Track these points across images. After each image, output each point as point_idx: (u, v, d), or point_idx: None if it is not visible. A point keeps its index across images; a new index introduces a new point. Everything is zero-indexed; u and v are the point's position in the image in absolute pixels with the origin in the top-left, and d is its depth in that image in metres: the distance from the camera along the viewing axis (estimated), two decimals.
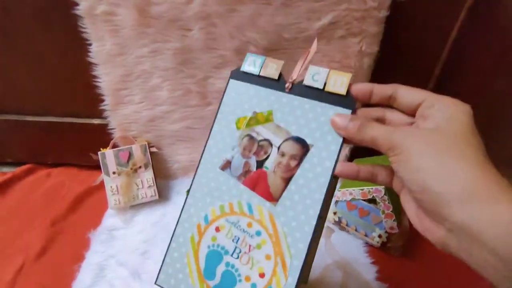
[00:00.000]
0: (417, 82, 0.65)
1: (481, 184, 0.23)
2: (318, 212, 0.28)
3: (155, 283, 0.32)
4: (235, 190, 0.31)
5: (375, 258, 0.60)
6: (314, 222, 0.28)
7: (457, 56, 0.61)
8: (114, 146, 0.69)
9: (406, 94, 0.29)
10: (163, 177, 0.74)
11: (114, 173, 0.66)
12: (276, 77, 0.33)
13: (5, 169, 0.79)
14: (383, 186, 0.56)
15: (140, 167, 0.67)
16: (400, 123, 0.31)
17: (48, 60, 0.62)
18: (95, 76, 0.62)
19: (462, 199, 0.23)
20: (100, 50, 0.59)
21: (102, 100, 0.65)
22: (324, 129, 0.30)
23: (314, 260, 0.48)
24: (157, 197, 0.68)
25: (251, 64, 0.34)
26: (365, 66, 0.58)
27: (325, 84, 0.31)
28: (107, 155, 0.66)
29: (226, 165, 0.32)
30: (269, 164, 0.31)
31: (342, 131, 0.30)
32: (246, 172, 0.32)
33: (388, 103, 0.31)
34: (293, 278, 0.28)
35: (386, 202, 0.57)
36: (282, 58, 0.57)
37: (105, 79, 0.62)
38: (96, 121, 0.70)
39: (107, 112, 0.66)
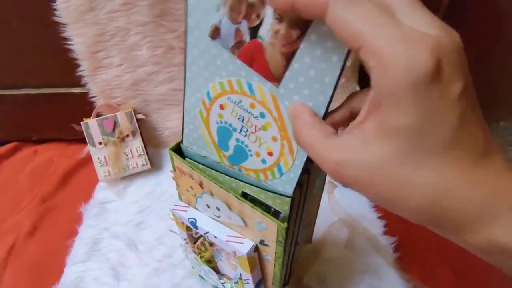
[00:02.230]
0: None
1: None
2: (328, 99, 0.22)
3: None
4: (231, 65, 0.25)
5: (382, 212, 0.57)
6: (323, 111, 0.22)
7: None
8: (98, 115, 0.64)
9: (342, 21, 0.15)
10: (154, 145, 0.70)
11: (100, 143, 0.62)
12: None
13: None
14: None
15: (127, 135, 0.63)
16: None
17: (11, 23, 0.56)
18: (65, 39, 0.56)
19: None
20: (66, 7, 0.52)
21: (78, 66, 0.60)
22: None
23: (318, 218, 0.45)
24: (149, 166, 0.64)
25: None
26: None
27: None
28: (91, 125, 0.62)
29: (215, 33, 0.24)
30: (263, 32, 0.22)
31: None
32: (239, 43, 0.24)
33: None
34: (300, 162, 0.26)
35: None
36: None
37: (77, 40, 0.56)
38: (76, 90, 0.65)
39: (86, 79, 0.61)
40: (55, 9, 0.53)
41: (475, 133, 0.16)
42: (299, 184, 0.28)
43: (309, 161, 0.25)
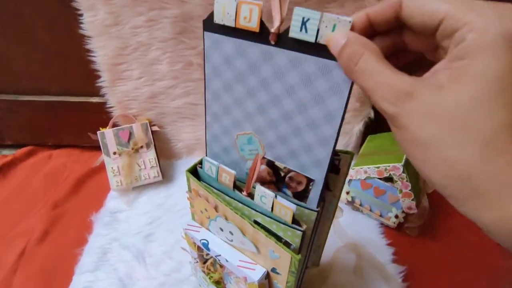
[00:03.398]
0: None
1: None
2: None
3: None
4: None
5: (391, 239, 0.57)
6: None
7: None
8: (114, 125, 0.65)
9: (415, 10, 0.19)
10: (167, 157, 0.71)
11: (114, 153, 0.63)
12: (231, 188, 0.30)
13: (6, 152, 0.77)
14: (402, 164, 0.52)
15: (141, 146, 0.64)
16: (421, 47, 0.21)
17: (38, 34, 0.58)
18: (89, 50, 0.58)
19: None
20: (92, 21, 0.54)
21: (99, 77, 0.61)
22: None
23: (327, 242, 0.45)
24: (160, 178, 0.65)
25: (208, 170, 0.31)
26: None
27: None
28: (107, 135, 0.63)
29: None
30: None
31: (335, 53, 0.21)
32: None
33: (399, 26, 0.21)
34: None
35: (405, 181, 0.53)
36: None
37: (100, 53, 0.58)
38: (94, 100, 0.67)
39: (105, 89, 0.63)
40: (82, 22, 0.55)
41: None
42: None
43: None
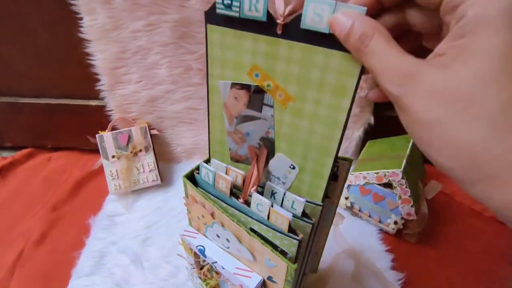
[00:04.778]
0: None
1: None
2: None
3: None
4: None
5: (390, 246, 0.56)
6: None
7: None
8: (113, 128, 0.65)
9: None
10: (166, 161, 0.71)
11: (113, 157, 0.63)
12: (228, 195, 0.30)
13: (5, 154, 0.77)
14: (401, 169, 0.52)
15: (140, 150, 0.64)
16: (425, 26, 0.21)
17: (38, 37, 0.58)
18: (88, 54, 0.58)
19: None
20: (92, 25, 0.54)
21: (98, 80, 0.61)
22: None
23: (325, 248, 0.44)
24: (159, 181, 0.65)
25: (205, 176, 0.31)
26: None
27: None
28: (106, 138, 0.63)
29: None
30: None
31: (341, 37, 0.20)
32: None
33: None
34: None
35: (404, 187, 0.53)
36: None
37: (99, 56, 0.58)
38: (93, 103, 0.67)
39: (104, 93, 0.63)
40: (81, 26, 0.55)
41: None
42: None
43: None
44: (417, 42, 0.23)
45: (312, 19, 0.21)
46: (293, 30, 0.23)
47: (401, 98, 0.18)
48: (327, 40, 0.22)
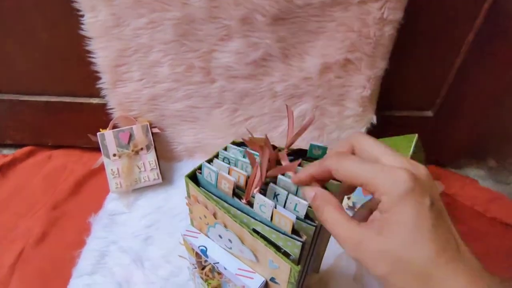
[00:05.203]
0: (449, 50, 0.59)
1: None
2: None
3: None
4: None
5: None
6: None
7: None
8: (115, 127, 0.65)
9: (341, 177, 0.24)
10: (167, 159, 0.71)
11: (114, 155, 0.62)
12: (230, 195, 0.31)
13: (6, 151, 0.77)
14: None
15: (141, 148, 0.63)
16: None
17: (39, 34, 0.57)
18: (89, 52, 0.57)
19: None
20: (93, 22, 0.54)
21: (99, 78, 0.61)
22: None
23: (327, 248, 0.44)
24: (160, 180, 0.65)
25: (208, 176, 0.32)
26: (386, 35, 0.52)
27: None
28: (107, 136, 0.62)
29: None
30: None
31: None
32: None
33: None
34: None
35: None
36: (293, 28, 0.52)
37: (101, 54, 0.57)
38: (94, 101, 0.66)
39: (105, 91, 0.62)
40: (82, 23, 0.54)
41: (446, 234, 0.22)
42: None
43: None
44: None
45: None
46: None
47: (357, 259, 0.23)
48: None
